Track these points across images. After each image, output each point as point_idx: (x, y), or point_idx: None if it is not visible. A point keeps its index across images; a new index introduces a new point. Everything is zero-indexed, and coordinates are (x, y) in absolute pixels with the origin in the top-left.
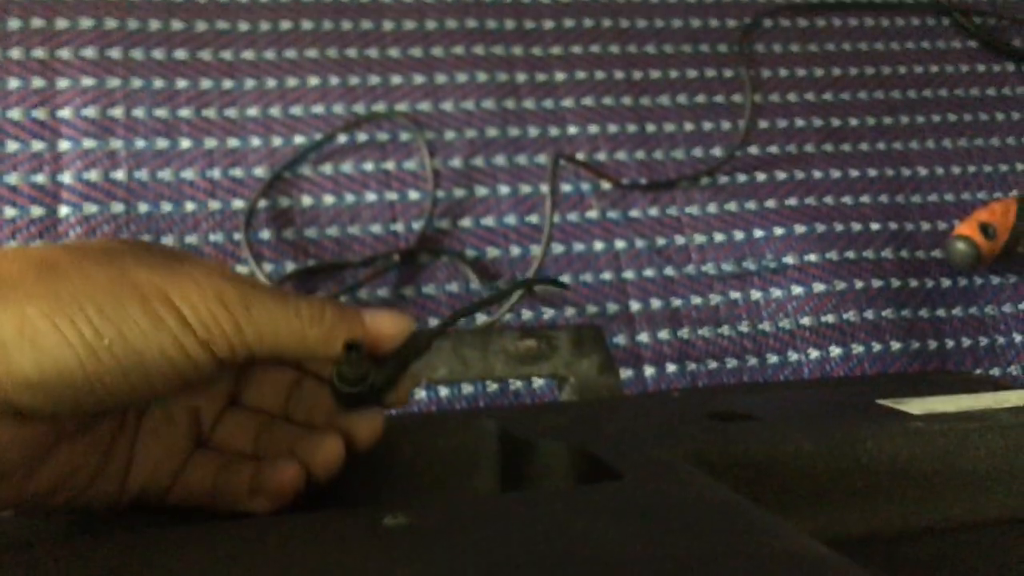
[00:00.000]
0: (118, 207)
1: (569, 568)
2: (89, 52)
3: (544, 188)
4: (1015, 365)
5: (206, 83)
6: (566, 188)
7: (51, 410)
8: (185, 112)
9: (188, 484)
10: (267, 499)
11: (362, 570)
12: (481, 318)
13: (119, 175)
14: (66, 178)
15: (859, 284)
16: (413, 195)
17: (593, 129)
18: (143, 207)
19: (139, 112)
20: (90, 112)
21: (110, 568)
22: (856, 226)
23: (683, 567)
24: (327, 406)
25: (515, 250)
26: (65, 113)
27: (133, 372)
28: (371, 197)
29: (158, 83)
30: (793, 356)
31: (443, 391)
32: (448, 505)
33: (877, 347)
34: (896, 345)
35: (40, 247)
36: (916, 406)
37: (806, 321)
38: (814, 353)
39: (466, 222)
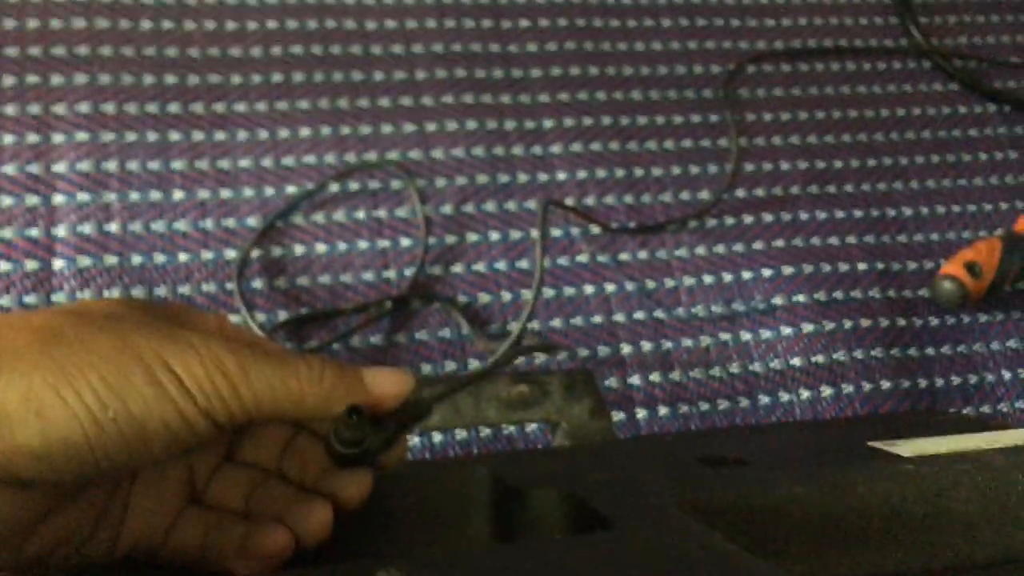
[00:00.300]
0: (112, 259)
1: None
2: (84, 107)
3: (534, 233)
4: (1004, 402)
5: (199, 135)
6: (556, 233)
7: (53, 479)
8: (178, 164)
9: (179, 541)
10: (256, 563)
11: None
12: (473, 363)
13: (113, 227)
14: (60, 231)
15: (848, 324)
16: (405, 242)
17: (581, 174)
18: (136, 259)
19: (133, 165)
20: (84, 166)
21: None
22: (843, 266)
23: None
24: (320, 461)
25: (506, 295)
26: (60, 167)
27: (135, 441)
28: (363, 245)
29: (152, 136)
30: (784, 397)
31: (436, 437)
32: (440, 558)
33: (867, 386)
34: (886, 384)
35: (41, 313)
36: (907, 448)
37: (796, 362)
38: (805, 393)
39: (457, 268)
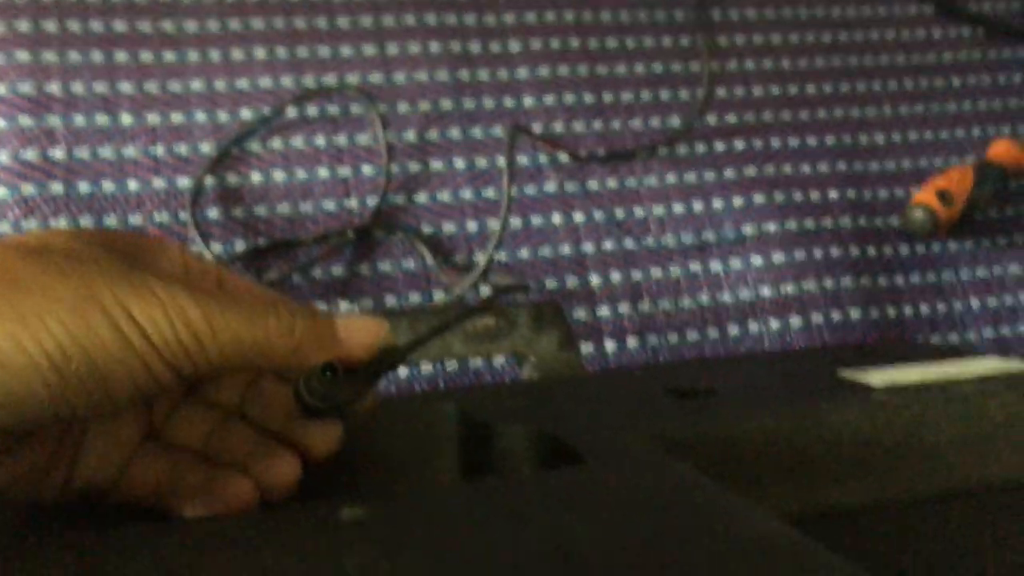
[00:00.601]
0: (57, 187)
1: (528, 562)
2: (23, 25)
3: (501, 161)
4: (972, 331)
5: (147, 56)
6: (523, 161)
7: (13, 425)
8: (126, 87)
9: (134, 480)
10: (216, 510)
11: (317, 567)
12: (438, 295)
13: (58, 154)
14: (2, 157)
15: (818, 253)
16: (367, 170)
17: (549, 100)
18: (84, 187)
19: (78, 87)
20: (26, 88)
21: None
22: (814, 195)
23: (645, 555)
24: (284, 407)
25: (472, 225)
26: (0, 89)
27: (97, 391)
28: (323, 173)
29: (97, 56)
30: (753, 327)
31: (402, 371)
32: (406, 497)
33: (837, 316)
34: (855, 314)
35: (1, 257)
36: (877, 377)
37: (766, 292)
38: (774, 324)
39: (421, 197)
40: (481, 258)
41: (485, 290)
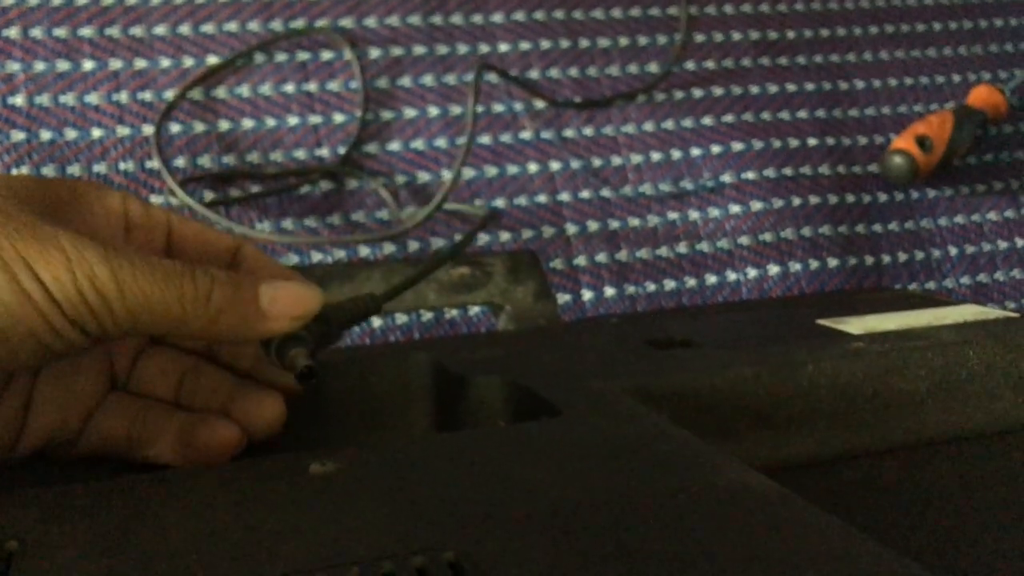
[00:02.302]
0: (19, 135)
1: (501, 515)
2: None
3: (478, 108)
4: (950, 278)
5: None
6: (498, 108)
7: None
8: (87, 31)
9: (100, 431)
10: (199, 458)
11: (285, 521)
12: (414, 245)
13: (18, 100)
14: None
15: (796, 201)
16: (338, 117)
17: (524, 45)
18: (46, 135)
19: (37, 32)
20: None
21: (23, 526)
22: (793, 142)
23: (618, 505)
24: (253, 345)
25: (447, 174)
26: None
27: None
28: (293, 120)
29: (56, 0)
30: (732, 276)
31: (376, 321)
32: (377, 449)
33: (815, 264)
34: (833, 262)
35: None
36: (856, 325)
37: (744, 240)
38: (752, 272)
39: (394, 145)
40: (437, 199)
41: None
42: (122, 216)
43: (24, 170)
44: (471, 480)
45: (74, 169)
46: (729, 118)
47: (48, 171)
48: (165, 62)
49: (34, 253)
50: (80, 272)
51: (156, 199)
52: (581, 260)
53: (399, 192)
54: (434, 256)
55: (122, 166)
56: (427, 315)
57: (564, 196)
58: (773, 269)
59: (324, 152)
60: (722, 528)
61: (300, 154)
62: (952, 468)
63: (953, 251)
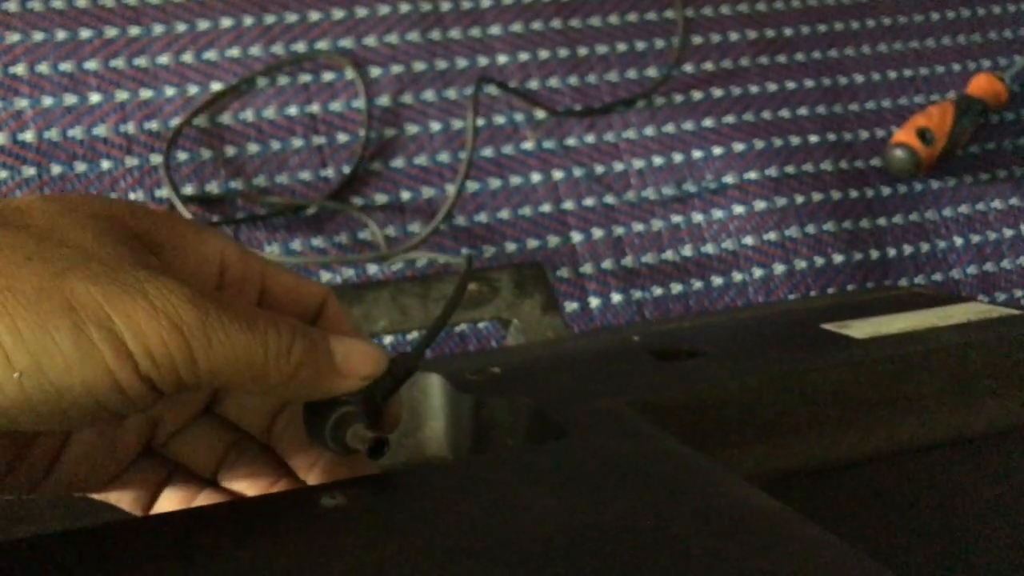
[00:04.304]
0: (29, 170)
1: (510, 543)
2: None
3: (480, 122)
4: (956, 269)
5: (112, 31)
6: (499, 120)
7: None
8: (92, 64)
9: (122, 494)
10: None
11: (297, 556)
12: (422, 262)
13: (28, 136)
14: None
15: (800, 199)
16: (341, 137)
17: (523, 56)
18: (56, 168)
19: (43, 67)
20: None
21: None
22: (794, 140)
23: (625, 530)
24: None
25: (450, 188)
26: None
27: (44, 407)
28: (298, 142)
29: (60, 35)
30: (738, 276)
31: (387, 339)
32: (386, 481)
33: (820, 261)
34: (839, 258)
35: None
36: (860, 329)
37: (749, 240)
38: (758, 272)
39: (398, 162)
40: (463, 220)
41: (468, 251)
42: (218, 263)
43: None
44: (481, 508)
45: None
46: (730, 119)
47: None
48: (170, 91)
49: (113, 302)
50: (166, 318)
51: None
52: (587, 267)
53: (404, 208)
54: (445, 309)
55: (132, 196)
56: None
57: (568, 204)
58: (779, 268)
59: (329, 172)
60: (723, 549)
61: (306, 175)
62: (960, 470)
63: (959, 241)
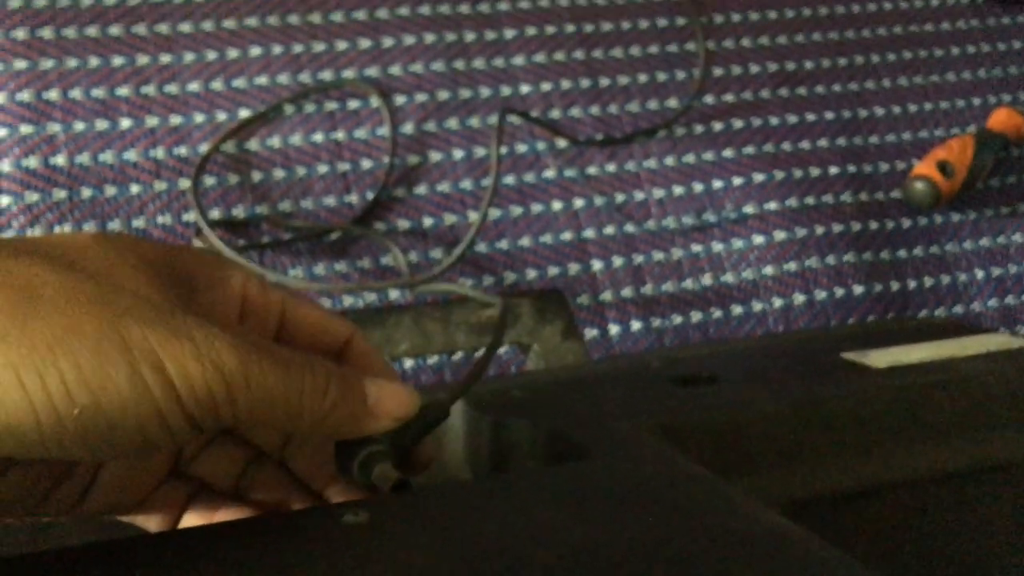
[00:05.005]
0: (60, 193)
1: (532, 562)
2: (20, 33)
3: (502, 150)
4: (977, 302)
5: (143, 59)
6: (521, 148)
7: None
8: (124, 90)
9: (152, 514)
10: None
11: (320, 573)
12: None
13: (59, 160)
14: (5, 166)
15: (820, 230)
16: (366, 164)
17: (546, 86)
18: (86, 192)
19: (76, 93)
20: (25, 96)
21: None
22: (815, 171)
23: (645, 552)
24: (328, 464)
25: (472, 215)
26: None
27: (97, 440)
28: (323, 169)
29: (94, 61)
30: (757, 306)
31: (408, 363)
32: (408, 498)
33: (840, 292)
34: (859, 289)
35: (23, 261)
36: (879, 358)
37: (769, 270)
38: (778, 302)
39: (421, 189)
40: (483, 247)
41: (488, 278)
42: (240, 297)
43: (67, 227)
44: (502, 527)
45: (114, 225)
46: (750, 150)
47: (89, 227)
48: (199, 117)
49: (164, 343)
50: (210, 363)
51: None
52: (607, 295)
53: (427, 234)
54: (480, 361)
55: (160, 220)
56: (458, 355)
57: (589, 233)
58: (799, 298)
59: (353, 198)
60: (743, 572)
61: (330, 201)
62: (978, 500)
63: (979, 274)
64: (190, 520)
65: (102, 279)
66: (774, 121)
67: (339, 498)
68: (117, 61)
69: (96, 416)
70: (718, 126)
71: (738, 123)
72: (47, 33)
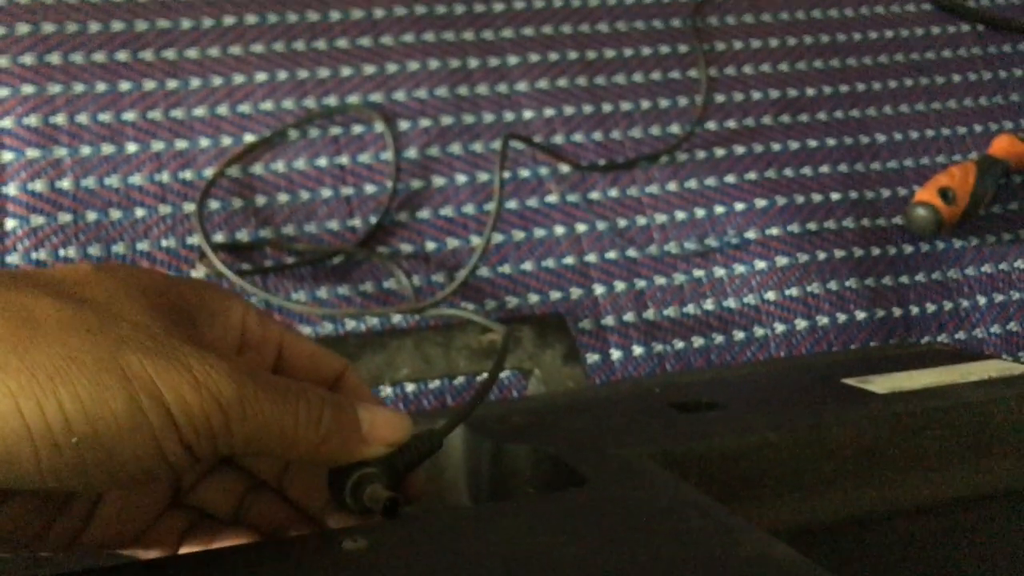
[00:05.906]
0: (66, 217)
1: None
2: (28, 59)
3: (505, 175)
4: (980, 328)
5: (150, 84)
6: (524, 173)
7: None
8: (130, 115)
9: (152, 544)
10: None
11: None
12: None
13: (65, 184)
14: (11, 190)
15: (822, 255)
16: (369, 188)
17: (549, 112)
18: (91, 216)
19: (82, 118)
20: (32, 120)
21: None
22: (816, 197)
23: None
24: (324, 492)
25: (475, 240)
26: (6, 123)
27: (95, 469)
28: (326, 193)
29: (100, 87)
30: (759, 331)
31: (409, 387)
32: (407, 524)
33: (842, 318)
34: (861, 315)
35: (24, 288)
36: (881, 384)
37: (771, 296)
38: (780, 327)
39: (424, 213)
40: (486, 272)
41: (491, 302)
42: (239, 328)
43: (72, 251)
44: (501, 554)
45: (119, 248)
46: (752, 175)
47: (94, 251)
48: (204, 142)
49: (162, 375)
50: (207, 393)
51: (195, 274)
52: (609, 320)
53: (429, 258)
54: (479, 391)
55: (164, 243)
56: (459, 379)
57: (591, 257)
58: (801, 324)
59: (356, 222)
60: None
61: (333, 225)
62: (980, 527)
63: (982, 300)
64: (188, 549)
65: (101, 309)
66: (776, 147)
67: (338, 525)
68: (124, 86)
69: (94, 446)
70: (720, 152)
71: (740, 149)
72: (55, 58)
